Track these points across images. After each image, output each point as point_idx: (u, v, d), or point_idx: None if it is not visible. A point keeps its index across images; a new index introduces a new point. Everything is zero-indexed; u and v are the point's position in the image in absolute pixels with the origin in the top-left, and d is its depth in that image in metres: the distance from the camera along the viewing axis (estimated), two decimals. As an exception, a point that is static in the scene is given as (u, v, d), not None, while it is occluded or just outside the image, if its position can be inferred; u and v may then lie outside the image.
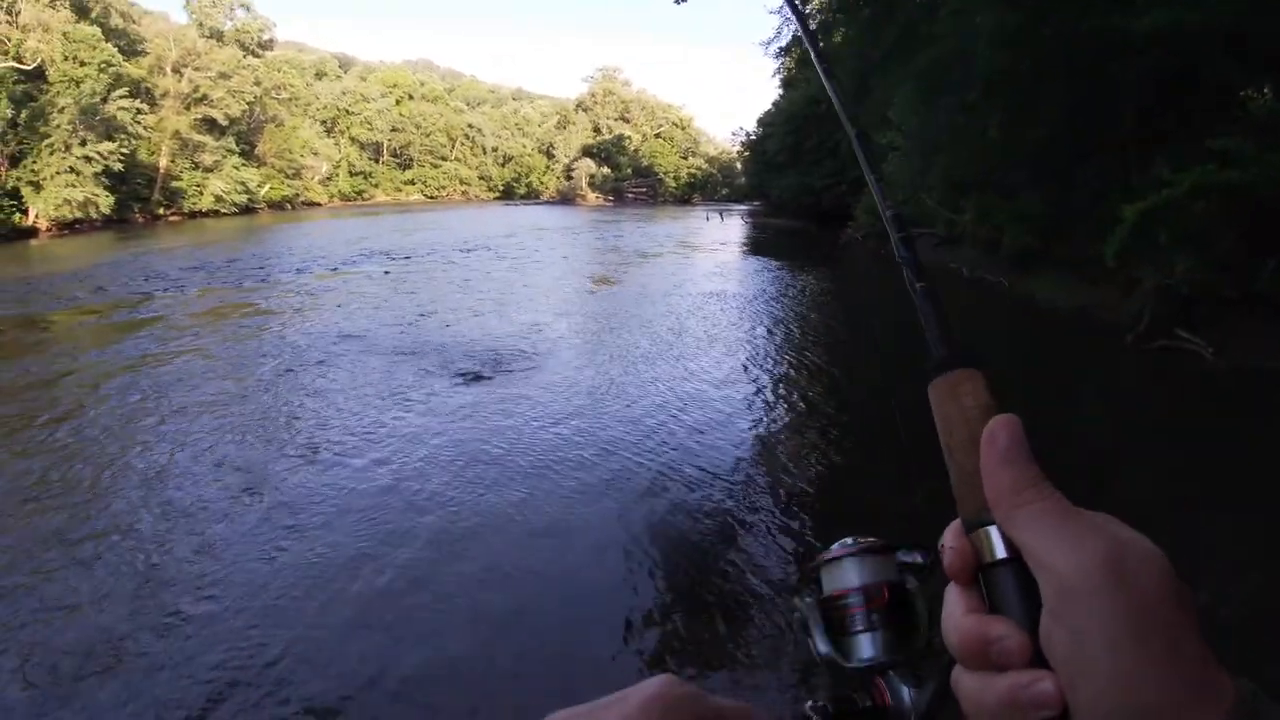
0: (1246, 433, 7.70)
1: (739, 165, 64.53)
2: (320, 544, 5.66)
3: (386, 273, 20.70)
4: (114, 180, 35.76)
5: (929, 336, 0.53)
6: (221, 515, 6.12)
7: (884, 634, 0.58)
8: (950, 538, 0.48)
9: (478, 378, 10.21)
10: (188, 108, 42.74)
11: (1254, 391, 8.62)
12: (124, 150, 36.14)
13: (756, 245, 31.99)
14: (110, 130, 35.79)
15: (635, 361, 11.27)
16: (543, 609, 4.90)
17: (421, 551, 5.53)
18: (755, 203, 52.54)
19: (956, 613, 0.46)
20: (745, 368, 10.96)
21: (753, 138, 48.87)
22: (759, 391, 9.82)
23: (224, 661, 4.25)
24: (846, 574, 0.59)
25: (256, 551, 5.52)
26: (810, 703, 0.58)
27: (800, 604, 0.61)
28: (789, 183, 38.70)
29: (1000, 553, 0.44)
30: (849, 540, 0.60)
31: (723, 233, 37.53)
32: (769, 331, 13.89)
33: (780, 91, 41.96)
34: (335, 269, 21.47)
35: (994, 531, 0.45)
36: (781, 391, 9.91)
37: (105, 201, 34.92)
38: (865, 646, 0.58)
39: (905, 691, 0.57)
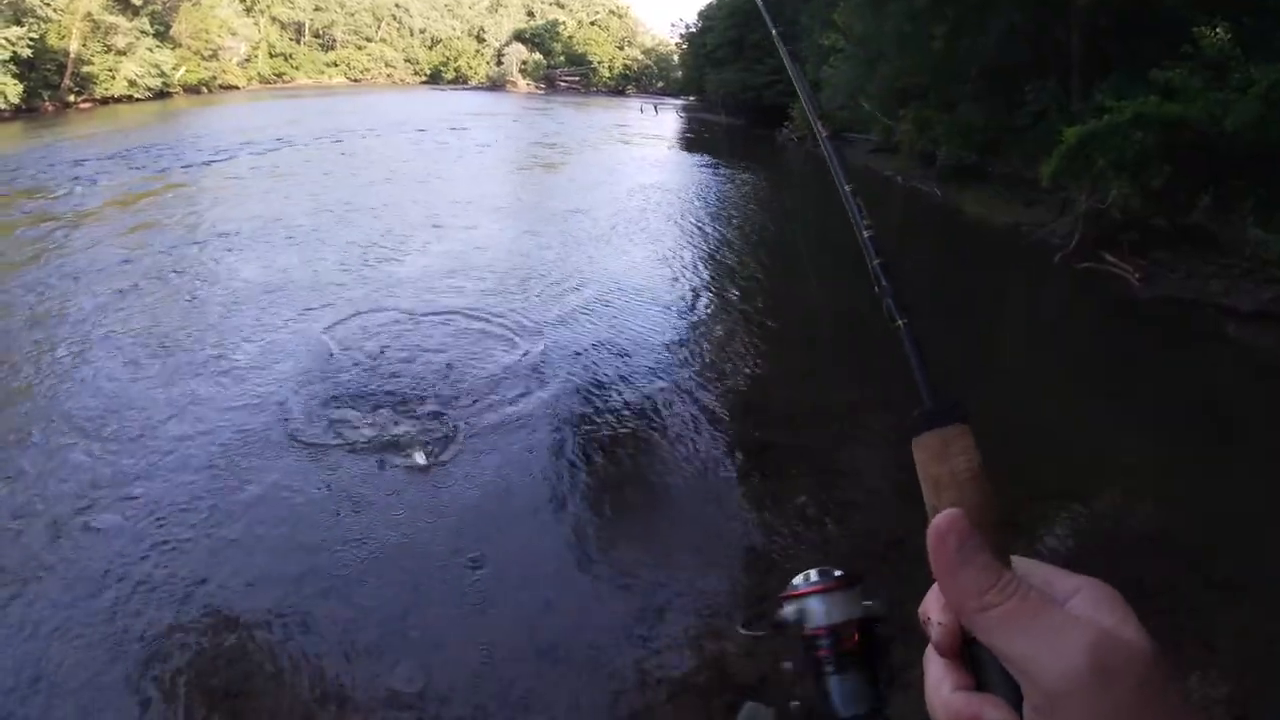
0: (1162, 359, 7.98)
1: (676, 58, 62.00)
2: (243, 434, 5.52)
3: (286, 162, 19.56)
4: (22, 67, 32.32)
5: (917, 381, 0.49)
6: (138, 408, 5.92)
7: (854, 676, 0.55)
8: (936, 611, 0.44)
9: (415, 263, 10.33)
10: (100, -15, 38.51)
11: (1173, 321, 8.88)
12: (33, 35, 32.49)
13: (695, 141, 31.15)
14: (18, 14, 32.10)
15: (576, 255, 11.36)
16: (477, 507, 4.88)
17: (341, 458, 5.40)
18: (690, 97, 50.86)
19: (944, 688, 0.44)
20: (680, 264, 11.06)
21: (692, 30, 46.76)
22: (693, 288, 9.96)
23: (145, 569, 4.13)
24: (814, 612, 0.55)
25: (169, 452, 5.35)
26: None
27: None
28: (728, 78, 37.33)
29: None
30: (814, 575, 0.56)
31: (659, 126, 36.40)
32: (707, 232, 13.64)
33: (723, -17, 40.01)
34: (258, 154, 19.99)
35: None
36: (716, 292, 9.98)
37: (14, 90, 31.58)
38: (836, 692, 0.55)
39: None
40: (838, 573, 0.55)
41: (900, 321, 0.51)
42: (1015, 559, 0.44)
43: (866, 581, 0.56)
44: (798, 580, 0.56)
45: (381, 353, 7.11)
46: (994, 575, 0.40)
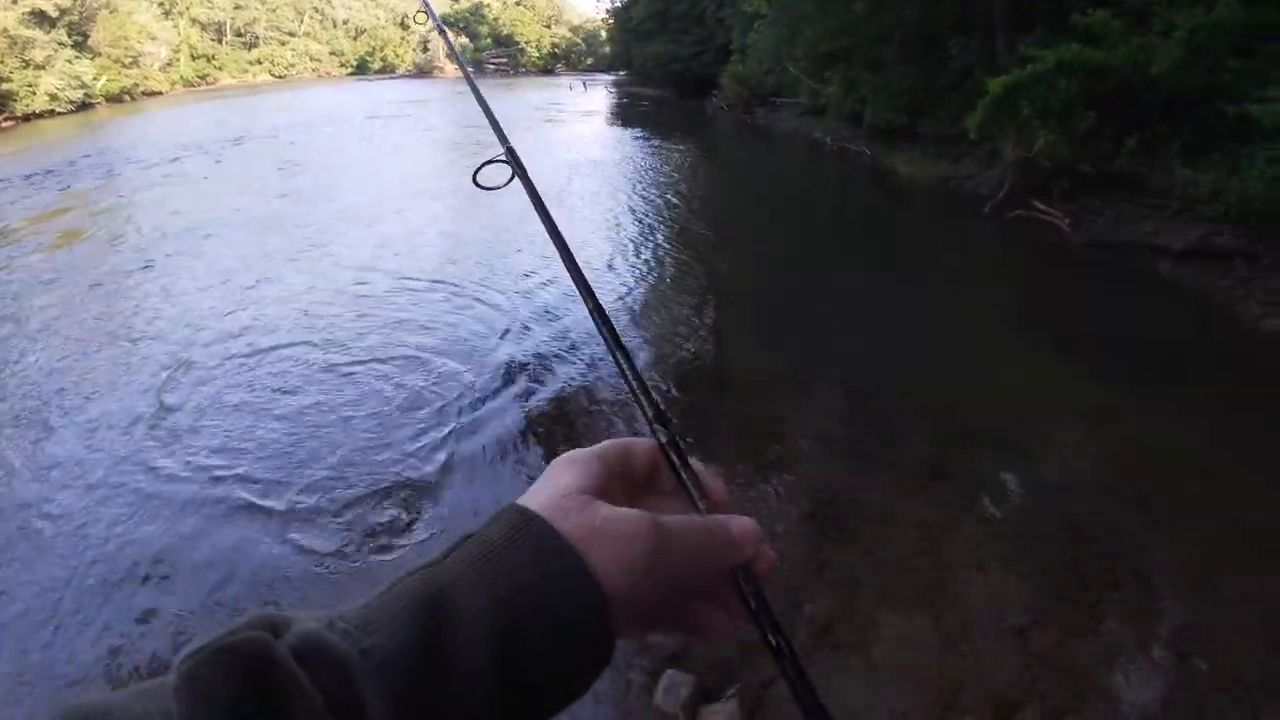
0: (1097, 301, 7.93)
1: (604, 34, 60.90)
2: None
3: (218, 162, 18.54)
4: (-60, 89, 30.30)
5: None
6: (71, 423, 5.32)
7: None
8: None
9: (372, 243, 9.73)
10: (15, 1, 35.90)
11: (1106, 264, 8.82)
12: (-52, 56, 30.44)
13: (626, 116, 30.51)
14: (-67, 36, 29.96)
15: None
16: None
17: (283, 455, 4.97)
18: (620, 71, 49.99)
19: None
20: (614, 232, 10.87)
21: (618, 4, 45.81)
22: (629, 255, 9.73)
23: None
24: None
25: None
26: None
27: None
28: (655, 50, 36.67)
29: None
30: None
31: (589, 102, 35.51)
32: (641, 200, 13.18)
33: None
34: (188, 158, 18.86)
35: None
36: (651, 257, 9.69)
37: (-69, 115, 29.65)
38: None
39: None
40: None
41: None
42: None
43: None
44: None
45: (358, 329, 6.72)
46: None
